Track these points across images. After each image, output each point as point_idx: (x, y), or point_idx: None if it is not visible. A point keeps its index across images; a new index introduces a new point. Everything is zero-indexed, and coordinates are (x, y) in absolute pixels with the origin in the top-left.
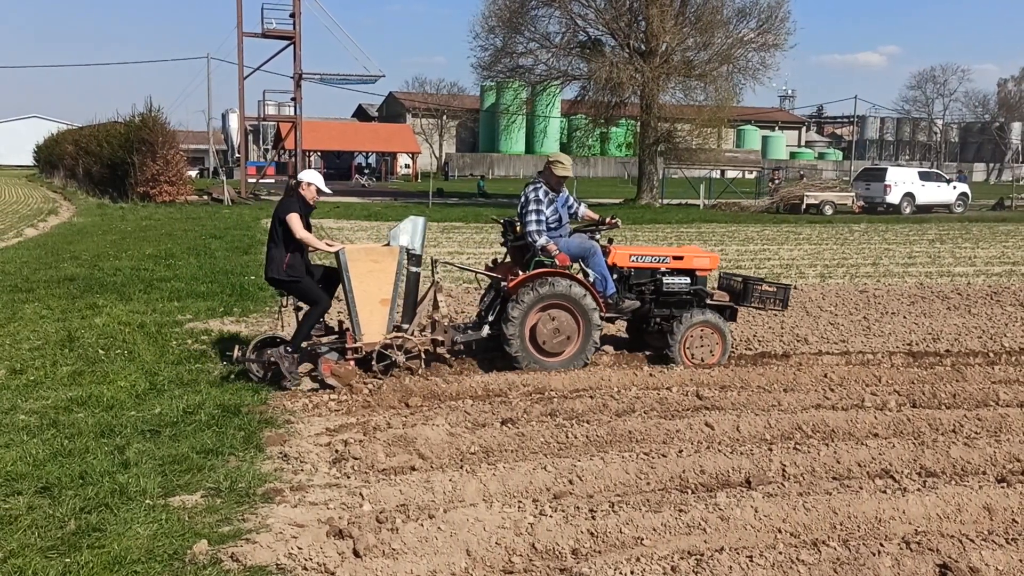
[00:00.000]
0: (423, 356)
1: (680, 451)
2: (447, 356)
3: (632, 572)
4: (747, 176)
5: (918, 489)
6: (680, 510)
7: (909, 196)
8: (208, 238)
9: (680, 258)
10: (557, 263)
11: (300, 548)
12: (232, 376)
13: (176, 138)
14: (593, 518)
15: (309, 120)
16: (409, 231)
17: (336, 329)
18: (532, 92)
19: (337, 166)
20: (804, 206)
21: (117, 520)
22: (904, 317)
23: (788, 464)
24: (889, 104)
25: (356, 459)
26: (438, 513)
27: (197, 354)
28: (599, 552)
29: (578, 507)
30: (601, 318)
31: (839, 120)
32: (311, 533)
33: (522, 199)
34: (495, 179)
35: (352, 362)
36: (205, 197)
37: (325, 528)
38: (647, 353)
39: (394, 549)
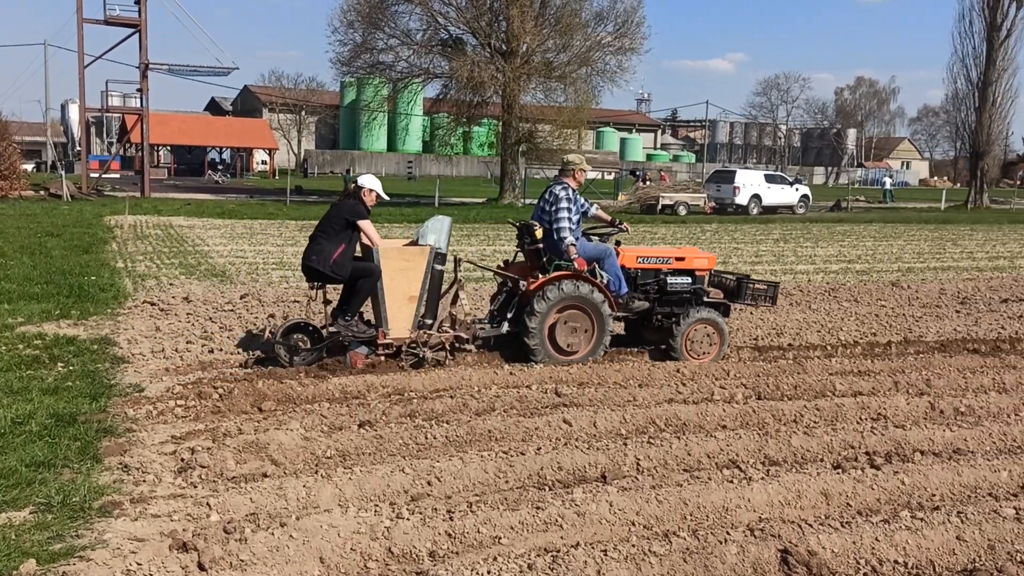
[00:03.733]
0: (448, 350)
1: (539, 449)
2: (470, 350)
3: (489, 572)
4: (606, 177)
5: (762, 478)
6: (537, 507)
7: (756, 197)
8: (44, 236)
9: (682, 259)
10: (576, 266)
11: (139, 564)
12: (68, 383)
13: (8, 129)
14: (451, 519)
15: (157, 113)
16: (436, 230)
17: (372, 322)
18: (393, 89)
19: (188, 162)
20: (660, 207)
21: None
22: (751, 313)
23: (642, 458)
24: (738, 109)
25: (203, 467)
26: (290, 521)
27: (29, 359)
28: (456, 553)
29: (436, 508)
30: (613, 318)
31: (692, 124)
32: (152, 547)
33: (549, 198)
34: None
35: (383, 356)
36: (42, 193)
37: (167, 541)
38: (642, 348)
39: (242, 560)
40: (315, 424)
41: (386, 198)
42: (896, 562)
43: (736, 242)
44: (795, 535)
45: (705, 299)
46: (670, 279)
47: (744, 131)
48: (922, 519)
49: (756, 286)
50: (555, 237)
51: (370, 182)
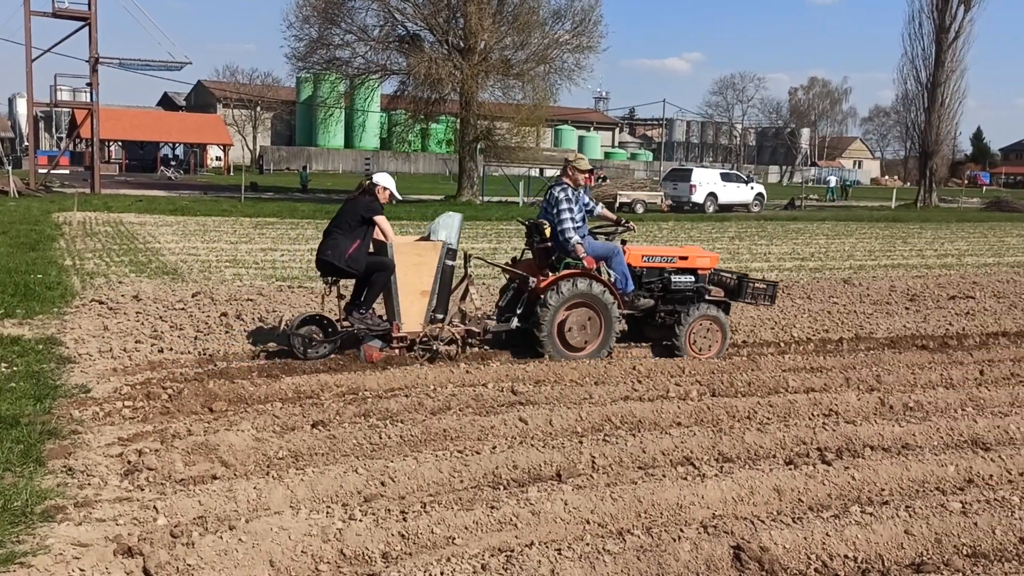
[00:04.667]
0: (459, 344)
1: (494, 447)
2: (479, 345)
3: (442, 573)
4: None
5: (716, 475)
6: (492, 507)
7: (712, 196)
8: None
9: (686, 258)
10: (584, 264)
11: (83, 569)
12: (12, 384)
13: None
14: (404, 520)
15: (108, 108)
16: (447, 226)
17: (383, 317)
18: (350, 85)
19: (141, 157)
20: (617, 204)
21: None
22: None
23: (597, 456)
24: (695, 108)
25: (151, 470)
26: (240, 524)
27: None
28: (410, 554)
29: (389, 509)
30: (620, 315)
31: (649, 122)
32: (96, 552)
33: (550, 199)
34: (314, 173)
35: (397, 350)
36: None
37: (112, 546)
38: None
39: (189, 565)
40: (267, 424)
41: (399, 197)
42: (846, 557)
43: (692, 240)
44: (748, 531)
45: (707, 297)
46: (674, 278)
47: (701, 130)
48: (871, 514)
49: (756, 285)
50: (561, 239)
51: (384, 180)
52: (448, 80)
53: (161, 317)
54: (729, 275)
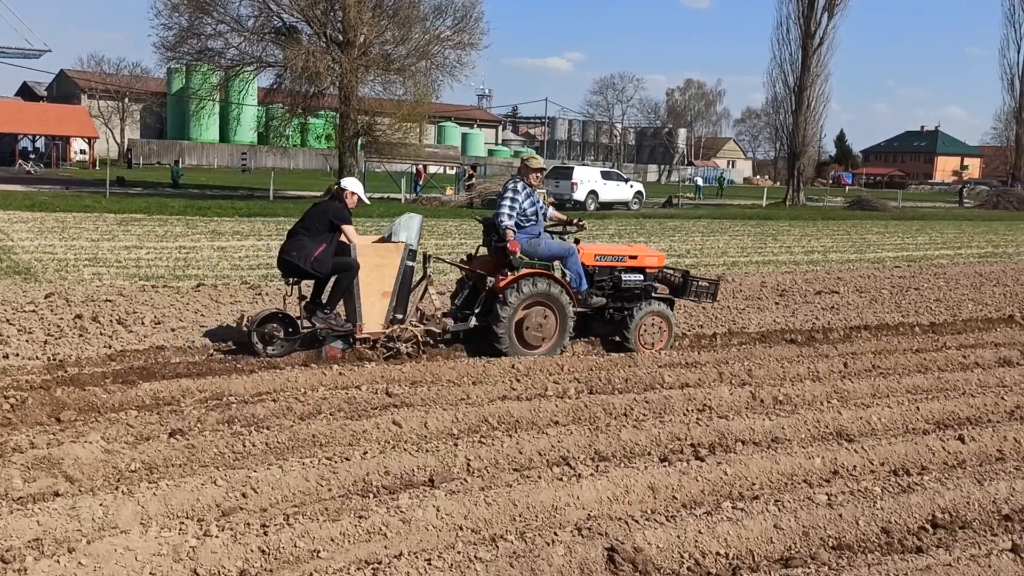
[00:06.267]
0: (420, 344)
1: (365, 453)
2: (439, 345)
3: None
4: (449, 172)
5: (591, 474)
6: (360, 516)
7: (593, 194)
8: None
9: (635, 257)
10: (509, 248)
11: None
12: None
13: None
14: (265, 534)
15: None
16: (408, 227)
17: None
18: (224, 77)
19: None
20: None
21: None
22: None
23: (473, 458)
24: (576, 107)
25: None
26: (81, 545)
27: None
28: (270, 571)
29: (249, 523)
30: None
31: (532, 120)
32: None
33: (502, 191)
34: (187, 168)
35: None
36: None
37: None
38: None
39: None
40: (119, 435)
41: (367, 201)
42: (718, 554)
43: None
44: (622, 532)
45: (654, 294)
46: (624, 276)
47: (582, 129)
48: (742, 509)
49: (700, 283)
50: (495, 221)
51: (353, 185)
52: (327, 74)
53: (8, 320)
54: (673, 273)
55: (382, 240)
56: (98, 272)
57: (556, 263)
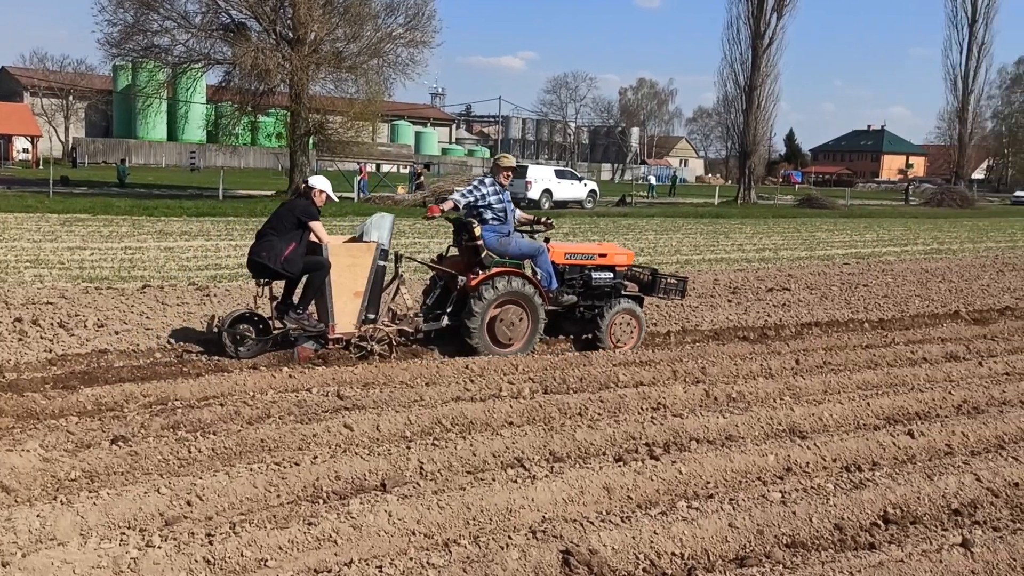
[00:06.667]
0: (393, 344)
1: (315, 457)
2: (412, 344)
3: None
4: (402, 171)
5: (546, 475)
6: (310, 523)
7: (547, 192)
8: None
9: (605, 255)
10: (428, 212)
11: None
12: None
13: None
14: (211, 543)
15: None
16: (379, 227)
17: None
18: (172, 75)
19: None
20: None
21: None
22: None
23: (426, 461)
24: (530, 106)
25: None
26: (15, 559)
27: None
28: None
29: (193, 532)
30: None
31: (486, 119)
32: None
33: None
34: (135, 167)
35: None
36: None
37: None
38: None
39: None
40: (58, 442)
41: (335, 199)
42: (673, 554)
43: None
44: (577, 534)
45: (623, 292)
46: (594, 274)
47: (536, 128)
48: (697, 508)
49: (668, 280)
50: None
51: (321, 183)
52: (277, 71)
53: None
54: (642, 271)
55: (353, 240)
56: (39, 274)
57: (527, 262)
